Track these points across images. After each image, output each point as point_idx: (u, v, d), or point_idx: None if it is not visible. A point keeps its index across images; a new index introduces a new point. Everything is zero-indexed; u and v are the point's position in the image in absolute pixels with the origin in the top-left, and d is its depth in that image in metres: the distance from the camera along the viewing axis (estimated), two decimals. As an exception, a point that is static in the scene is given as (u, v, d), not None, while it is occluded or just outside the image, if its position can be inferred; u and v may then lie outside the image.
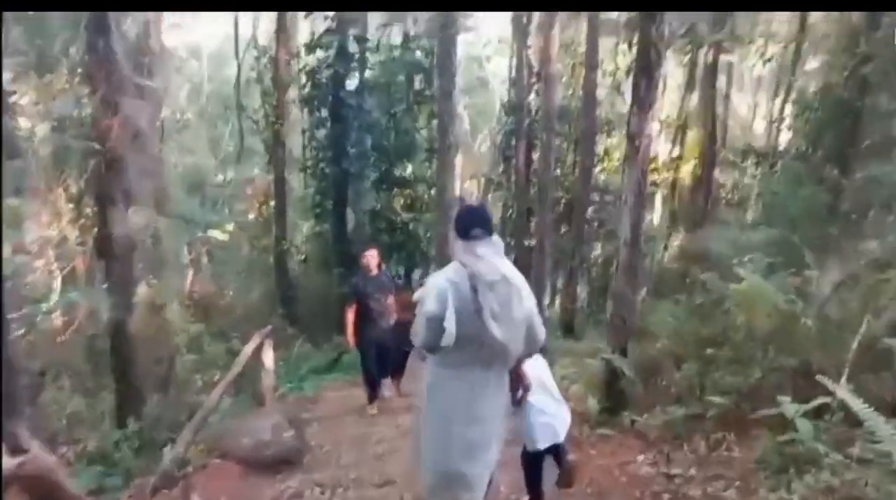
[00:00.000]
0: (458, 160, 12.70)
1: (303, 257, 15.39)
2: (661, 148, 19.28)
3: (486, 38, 25.47)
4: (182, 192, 21.89)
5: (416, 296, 2.80)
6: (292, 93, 15.17)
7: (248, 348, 6.62)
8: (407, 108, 14.31)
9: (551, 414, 3.18)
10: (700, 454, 3.75)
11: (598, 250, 14.78)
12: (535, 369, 3.07)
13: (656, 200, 17.77)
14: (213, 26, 27.93)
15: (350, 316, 6.29)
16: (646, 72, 4.82)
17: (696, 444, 3.92)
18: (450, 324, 2.43)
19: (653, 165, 18.11)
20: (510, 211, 17.47)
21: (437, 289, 2.50)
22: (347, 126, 12.65)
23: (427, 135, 15.10)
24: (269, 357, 6.90)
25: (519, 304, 2.53)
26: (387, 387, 6.77)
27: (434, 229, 12.35)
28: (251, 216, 20.65)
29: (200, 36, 31.65)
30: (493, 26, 22.97)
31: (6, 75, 8.21)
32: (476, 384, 2.56)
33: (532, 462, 3.24)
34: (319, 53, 12.82)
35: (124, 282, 6.13)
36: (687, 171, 16.33)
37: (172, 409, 6.24)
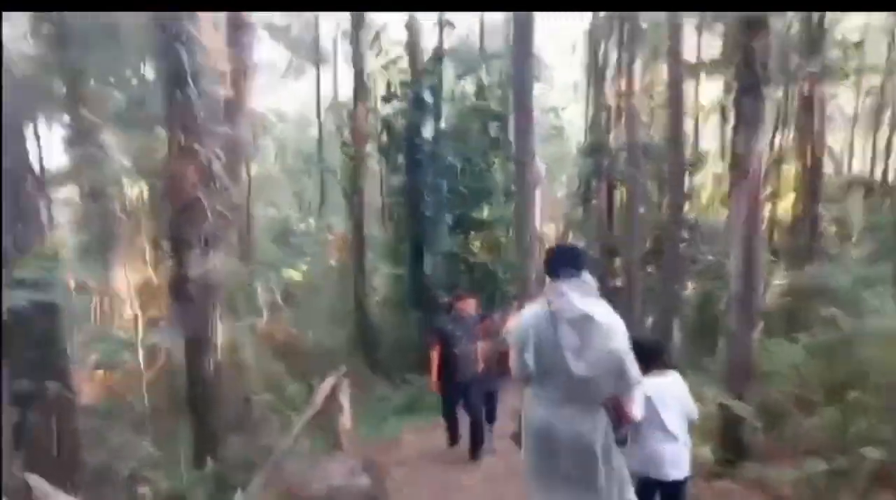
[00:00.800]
0: (537, 203, 12.43)
1: (381, 300, 15.33)
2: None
3: (561, 83, 25.47)
4: (268, 241, 22.78)
5: (506, 328, 3.29)
6: (369, 147, 15.55)
7: (325, 388, 6.40)
8: (482, 153, 14.20)
9: (653, 447, 3.10)
10: (854, 518, 3.06)
11: (688, 290, 13.83)
12: (652, 402, 3.03)
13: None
14: (295, 89, 29.54)
15: (434, 359, 5.94)
16: (751, 90, 4.36)
17: (844, 505, 3.23)
18: (529, 355, 2.62)
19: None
20: (591, 252, 16.86)
21: (520, 323, 2.74)
22: (423, 172, 12.63)
23: (503, 180, 14.92)
24: (345, 398, 6.63)
25: (602, 342, 2.56)
26: (489, 450, 6.01)
27: (512, 270, 11.96)
28: (332, 263, 21.09)
29: (285, 100, 33.62)
30: (566, 73, 22.90)
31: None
32: (566, 416, 2.64)
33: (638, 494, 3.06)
34: (396, 104, 13.02)
35: (201, 324, 6.06)
36: (785, 207, 15.24)
37: (249, 450, 6.03)
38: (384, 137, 13.20)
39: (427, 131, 12.80)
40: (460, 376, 5.85)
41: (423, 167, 12.61)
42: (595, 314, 2.58)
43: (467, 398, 5.99)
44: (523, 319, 2.73)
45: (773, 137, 17.45)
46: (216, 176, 6.07)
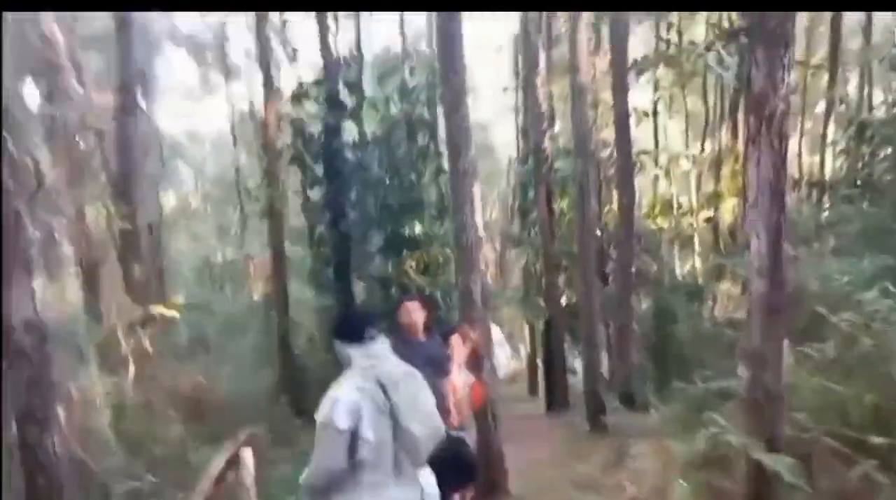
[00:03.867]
0: (477, 212, 11.24)
1: (307, 336, 13.73)
2: (690, 188, 17.82)
3: (488, 94, 24.77)
4: (191, 278, 20.75)
5: (318, 417, 2.45)
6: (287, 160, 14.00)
7: (216, 466, 4.88)
8: (410, 163, 12.97)
9: None
10: None
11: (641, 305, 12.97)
12: None
13: (695, 243, 16.17)
14: (210, 108, 27.62)
15: None
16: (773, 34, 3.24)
17: None
18: (368, 433, 2.37)
19: (685, 207, 16.66)
20: (533, 268, 15.89)
21: (346, 399, 2.41)
22: (344, 184, 11.25)
23: (436, 193, 13.73)
24: (247, 473, 5.11)
25: (426, 396, 2.56)
26: None
27: (454, 292, 10.76)
28: (255, 297, 19.27)
29: (200, 121, 31.65)
30: (493, 79, 22.00)
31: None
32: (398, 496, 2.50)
33: None
34: (308, 107, 11.60)
35: (37, 389, 4.45)
36: (728, 209, 14.77)
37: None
38: (299, 145, 11.71)
39: (347, 137, 11.46)
40: None
41: (344, 179, 11.22)
42: (413, 370, 2.58)
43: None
44: (345, 396, 2.41)
45: (705, 134, 17.15)
46: (44, 180, 4.53)
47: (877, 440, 3.27)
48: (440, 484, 4.19)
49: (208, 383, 10.83)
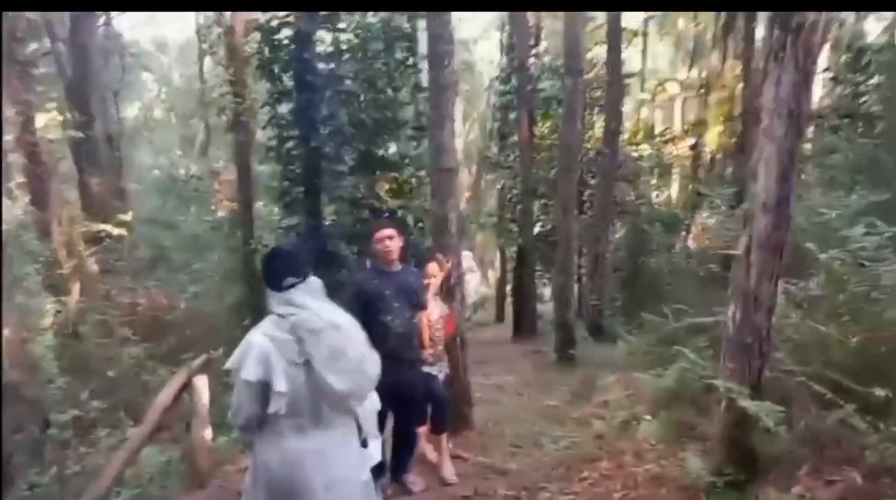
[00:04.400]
0: (454, 134, 10.64)
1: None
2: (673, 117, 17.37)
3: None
4: (153, 193, 19.96)
5: (228, 364, 2.31)
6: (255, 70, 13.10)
7: (166, 394, 4.61)
8: (387, 77, 12.21)
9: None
10: None
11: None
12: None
13: (673, 172, 15.90)
14: (180, 15, 25.85)
15: None
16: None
17: None
18: (280, 385, 2.22)
19: (667, 135, 16.27)
20: (510, 194, 15.55)
21: (256, 350, 2.27)
22: (316, 97, 10.52)
23: (413, 112, 13.07)
24: (201, 401, 4.86)
25: (352, 346, 2.36)
26: (412, 480, 4.17)
27: (427, 217, 10.40)
28: (220, 213, 18.66)
29: (167, 28, 29.83)
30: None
31: None
32: (322, 447, 2.33)
33: None
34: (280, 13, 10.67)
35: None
36: (712, 138, 14.42)
37: (53, 492, 4.20)
38: (266, 52, 10.85)
39: (319, 46, 10.64)
40: (394, 368, 3.01)
41: (316, 92, 10.49)
42: (339, 320, 2.36)
43: (404, 410, 3.93)
44: (259, 344, 2.26)
45: (692, 61, 16.54)
46: None
47: (860, 388, 3.08)
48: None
49: (169, 301, 10.53)
